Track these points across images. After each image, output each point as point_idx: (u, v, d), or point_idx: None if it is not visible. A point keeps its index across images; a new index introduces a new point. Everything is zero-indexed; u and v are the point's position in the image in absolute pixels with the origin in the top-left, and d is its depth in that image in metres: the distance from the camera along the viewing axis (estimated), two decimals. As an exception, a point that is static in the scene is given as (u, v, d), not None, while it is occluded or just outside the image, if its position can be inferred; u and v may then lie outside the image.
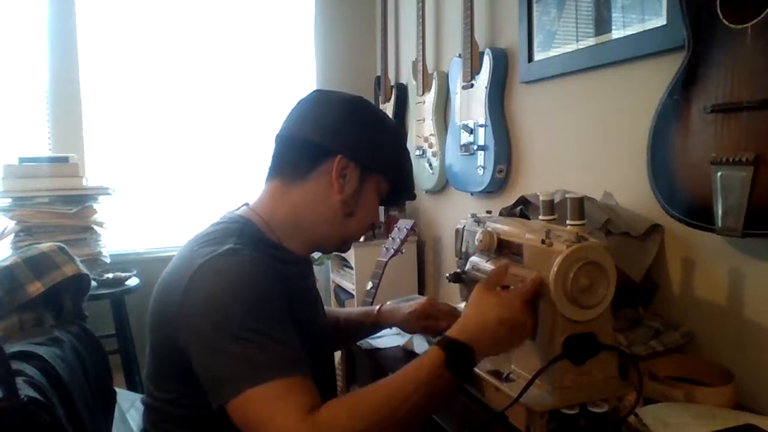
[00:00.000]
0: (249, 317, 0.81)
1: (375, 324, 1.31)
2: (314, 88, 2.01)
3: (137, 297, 2.15)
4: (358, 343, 1.41)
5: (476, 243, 1.09)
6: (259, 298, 0.83)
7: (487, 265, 1.08)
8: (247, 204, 1.04)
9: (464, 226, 1.21)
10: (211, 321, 0.82)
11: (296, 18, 2.85)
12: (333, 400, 0.80)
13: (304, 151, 0.99)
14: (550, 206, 1.09)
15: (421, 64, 2.29)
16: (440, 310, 1.25)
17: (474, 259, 1.13)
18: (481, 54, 1.88)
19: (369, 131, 1.01)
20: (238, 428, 0.80)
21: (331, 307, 2.52)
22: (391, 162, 1.04)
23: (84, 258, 1.94)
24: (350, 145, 0.98)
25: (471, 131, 1.93)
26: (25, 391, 0.94)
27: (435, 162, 2.24)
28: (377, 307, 1.32)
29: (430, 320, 1.25)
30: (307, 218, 0.99)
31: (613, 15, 1.40)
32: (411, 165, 1.10)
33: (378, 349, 1.40)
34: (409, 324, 1.27)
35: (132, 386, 2.21)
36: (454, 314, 1.21)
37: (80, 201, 2.19)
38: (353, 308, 1.37)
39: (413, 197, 1.14)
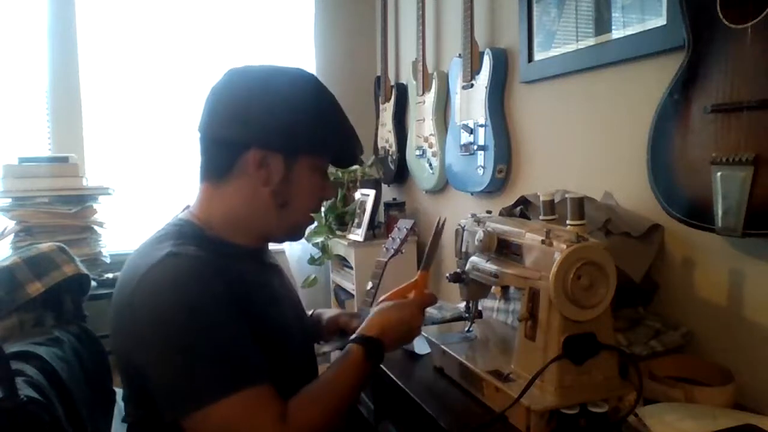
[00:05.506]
0: (197, 328, 0.79)
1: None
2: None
3: (137, 297, 2.15)
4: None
5: (476, 243, 1.09)
6: (203, 305, 0.81)
7: (487, 265, 1.08)
8: (188, 206, 1.00)
9: (464, 226, 1.21)
10: (160, 336, 0.80)
11: (296, 18, 2.85)
12: (294, 401, 0.84)
13: (217, 150, 0.93)
14: (550, 206, 1.09)
15: (421, 64, 2.29)
16: (346, 318, 1.23)
17: (474, 259, 1.13)
18: (481, 54, 1.88)
19: (281, 111, 0.90)
20: None
21: (332, 307, 2.52)
22: (318, 138, 0.94)
23: (84, 258, 1.94)
24: (261, 133, 0.89)
25: (471, 131, 1.93)
26: (25, 391, 0.94)
27: (435, 162, 2.23)
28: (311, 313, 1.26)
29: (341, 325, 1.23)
30: (243, 215, 0.95)
31: (613, 15, 1.40)
32: (345, 127, 0.99)
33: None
34: (330, 335, 1.24)
35: (132, 386, 2.21)
36: (357, 315, 1.19)
37: (80, 201, 2.19)
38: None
39: (359, 162, 1.06)
